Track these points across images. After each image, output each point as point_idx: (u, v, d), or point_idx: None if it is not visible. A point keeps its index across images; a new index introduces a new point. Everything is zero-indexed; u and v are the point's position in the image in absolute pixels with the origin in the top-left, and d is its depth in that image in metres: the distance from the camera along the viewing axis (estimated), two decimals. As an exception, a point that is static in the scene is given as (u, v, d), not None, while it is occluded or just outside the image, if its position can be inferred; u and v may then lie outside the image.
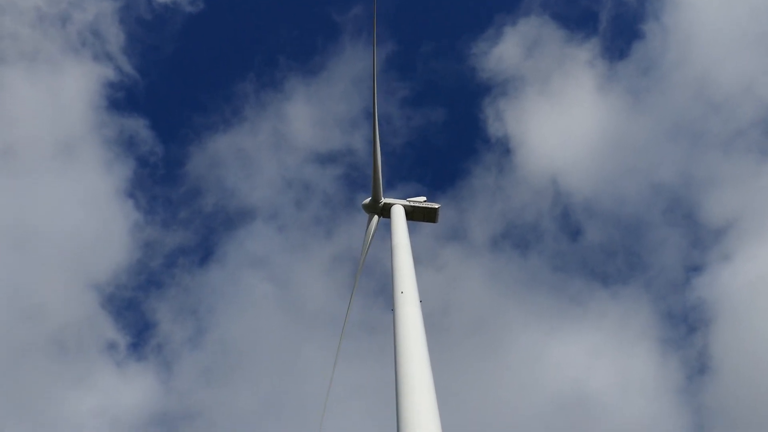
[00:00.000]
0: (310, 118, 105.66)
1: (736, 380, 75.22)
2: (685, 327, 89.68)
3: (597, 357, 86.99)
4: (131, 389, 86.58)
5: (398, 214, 33.12)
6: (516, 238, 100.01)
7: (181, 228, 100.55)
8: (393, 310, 24.38)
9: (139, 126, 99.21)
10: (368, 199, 35.53)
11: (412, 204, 35.00)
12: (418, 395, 19.52)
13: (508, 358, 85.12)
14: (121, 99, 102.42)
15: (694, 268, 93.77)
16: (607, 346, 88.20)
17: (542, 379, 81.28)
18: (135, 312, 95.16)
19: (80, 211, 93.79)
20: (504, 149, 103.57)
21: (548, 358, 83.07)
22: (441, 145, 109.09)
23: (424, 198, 35.70)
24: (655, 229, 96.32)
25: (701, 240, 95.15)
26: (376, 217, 35.24)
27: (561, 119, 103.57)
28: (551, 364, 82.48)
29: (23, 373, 79.36)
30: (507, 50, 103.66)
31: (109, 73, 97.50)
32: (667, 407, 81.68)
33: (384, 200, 35.14)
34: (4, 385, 76.01)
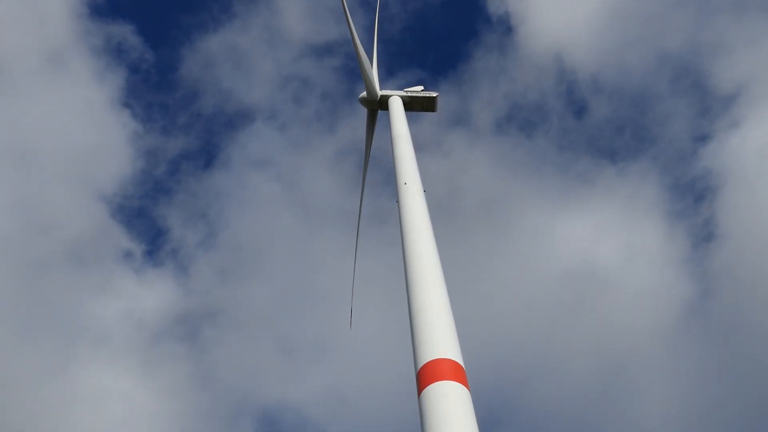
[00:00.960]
0: (302, 10, 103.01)
1: (743, 245, 76.49)
2: (692, 197, 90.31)
3: (604, 232, 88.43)
4: (152, 294, 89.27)
5: (396, 105, 33.03)
6: (521, 120, 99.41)
7: (181, 133, 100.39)
8: (397, 201, 24.94)
9: (126, 32, 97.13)
10: (364, 93, 35.34)
11: (409, 94, 34.80)
12: (427, 281, 20.27)
13: (516, 237, 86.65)
14: (103, 4, 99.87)
15: (702, 138, 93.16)
16: (615, 222, 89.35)
17: (551, 255, 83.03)
18: (146, 220, 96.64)
19: (77, 124, 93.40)
20: (505, 28, 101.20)
21: (556, 235, 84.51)
22: (440, 29, 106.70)
23: (422, 87, 35.48)
24: (662, 100, 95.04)
25: (710, 108, 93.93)
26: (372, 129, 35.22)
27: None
28: (559, 241, 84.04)
29: (46, 287, 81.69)
30: None
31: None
32: (673, 275, 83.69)
33: (381, 93, 34.93)
34: (31, 298, 78.49)
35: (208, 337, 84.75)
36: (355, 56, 34.62)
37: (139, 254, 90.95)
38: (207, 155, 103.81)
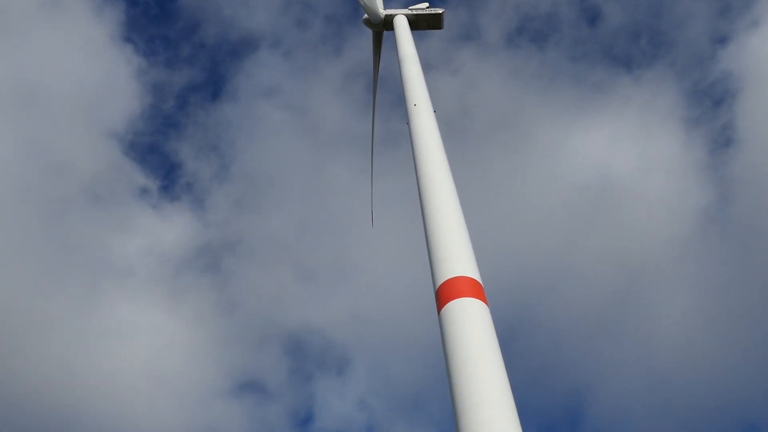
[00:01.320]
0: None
1: (763, 149, 75.35)
2: (710, 102, 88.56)
3: (621, 142, 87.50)
4: (171, 228, 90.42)
5: (401, 25, 32.40)
6: (532, 32, 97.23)
7: (186, 66, 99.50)
8: (408, 123, 24.85)
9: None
10: (366, 15, 34.64)
11: (414, 12, 34.10)
12: (441, 200, 20.40)
13: (531, 152, 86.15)
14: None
15: (720, 40, 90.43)
16: (631, 131, 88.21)
17: (567, 168, 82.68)
18: (158, 155, 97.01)
19: (80, 62, 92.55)
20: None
21: (571, 148, 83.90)
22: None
23: (427, 4, 34.71)
24: (679, 1, 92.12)
25: (729, 7, 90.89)
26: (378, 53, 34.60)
27: None
28: (575, 153, 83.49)
29: (67, 225, 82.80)
30: None
31: None
32: (691, 182, 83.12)
33: (384, 12, 34.24)
34: (53, 238, 79.73)
35: (229, 266, 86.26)
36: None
37: (155, 190, 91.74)
38: (214, 86, 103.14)
